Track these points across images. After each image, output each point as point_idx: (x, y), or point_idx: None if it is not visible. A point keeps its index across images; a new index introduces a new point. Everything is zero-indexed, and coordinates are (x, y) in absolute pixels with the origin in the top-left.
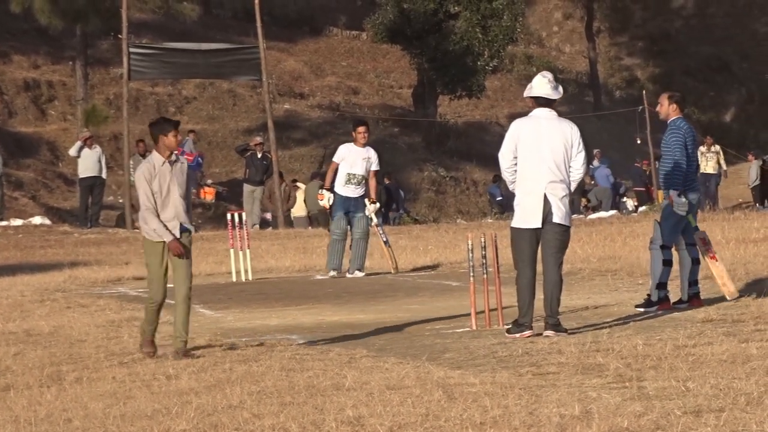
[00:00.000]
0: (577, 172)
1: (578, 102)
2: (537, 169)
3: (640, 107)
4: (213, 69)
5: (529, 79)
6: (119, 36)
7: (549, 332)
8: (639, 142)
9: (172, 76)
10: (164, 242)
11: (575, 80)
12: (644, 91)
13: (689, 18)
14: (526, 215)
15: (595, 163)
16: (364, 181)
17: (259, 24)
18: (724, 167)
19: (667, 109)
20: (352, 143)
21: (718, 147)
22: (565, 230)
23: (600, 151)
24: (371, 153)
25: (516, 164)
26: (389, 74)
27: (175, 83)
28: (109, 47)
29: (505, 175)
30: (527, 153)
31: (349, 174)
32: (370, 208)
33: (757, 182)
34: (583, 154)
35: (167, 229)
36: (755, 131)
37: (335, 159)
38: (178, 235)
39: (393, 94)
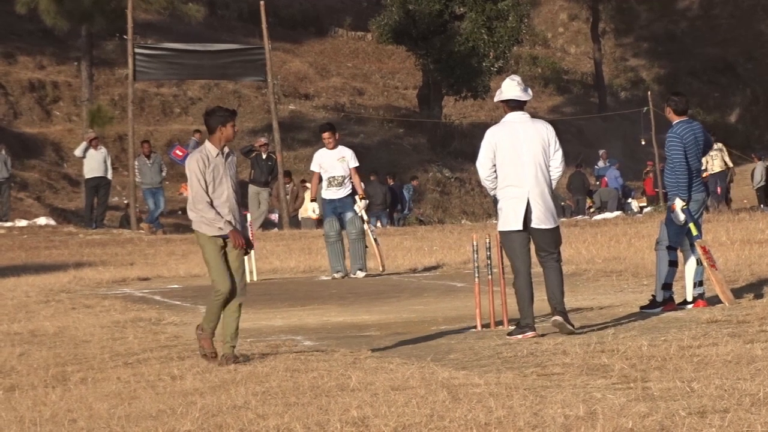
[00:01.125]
0: (557, 170)
1: (583, 103)
2: (518, 174)
3: (645, 108)
4: (218, 70)
5: (534, 80)
6: (124, 37)
7: (557, 317)
8: (644, 143)
9: (177, 76)
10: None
11: (580, 81)
12: (649, 92)
13: (694, 19)
14: (510, 218)
15: (600, 163)
16: (345, 181)
17: (264, 25)
18: (730, 164)
19: (669, 114)
20: (325, 148)
21: (720, 144)
22: (553, 231)
23: (606, 151)
24: (345, 152)
25: (495, 171)
26: (394, 75)
27: (180, 84)
28: (114, 48)
29: (486, 183)
30: (507, 159)
31: (329, 178)
32: (361, 204)
33: (762, 183)
34: (560, 152)
35: (224, 219)
36: (760, 132)
37: (313, 168)
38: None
39: (398, 95)
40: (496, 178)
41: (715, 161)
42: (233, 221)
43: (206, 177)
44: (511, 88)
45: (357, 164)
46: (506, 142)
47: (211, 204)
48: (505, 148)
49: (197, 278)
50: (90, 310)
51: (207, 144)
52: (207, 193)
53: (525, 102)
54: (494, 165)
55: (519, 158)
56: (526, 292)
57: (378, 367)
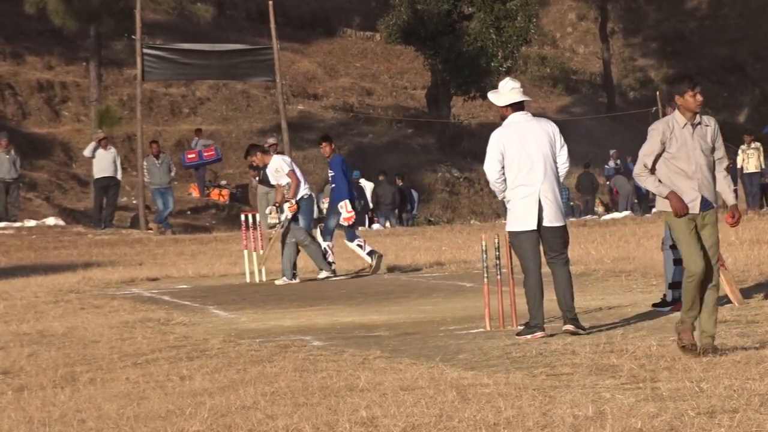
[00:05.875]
0: (563, 166)
1: (592, 103)
2: (529, 173)
3: (654, 108)
4: (227, 70)
5: (542, 80)
6: (133, 37)
7: (569, 326)
8: None
9: (185, 77)
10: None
11: (589, 81)
12: (658, 92)
13: (703, 19)
14: (521, 218)
15: (611, 163)
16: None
17: (272, 25)
18: (763, 165)
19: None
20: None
21: (758, 144)
22: (563, 229)
23: (617, 151)
24: (278, 162)
25: (504, 174)
26: (403, 75)
27: (188, 84)
28: (122, 48)
29: (495, 186)
30: (517, 160)
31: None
32: (273, 209)
33: None
34: (565, 148)
35: (666, 187)
36: None
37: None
38: (697, 211)
39: (407, 95)
40: (505, 180)
41: (750, 159)
42: (699, 202)
43: (666, 148)
44: (511, 91)
45: (290, 169)
46: (514, 142)
47: (651, 174)
48: (514, 148)
49: (206, 278)
50: (99, 311)
51: (676, 113)
52: (651, 163)
53: (523, 102)
54: (503, 167)
55: (528, 158)
56: (536, 293)
57: (387, 368)
